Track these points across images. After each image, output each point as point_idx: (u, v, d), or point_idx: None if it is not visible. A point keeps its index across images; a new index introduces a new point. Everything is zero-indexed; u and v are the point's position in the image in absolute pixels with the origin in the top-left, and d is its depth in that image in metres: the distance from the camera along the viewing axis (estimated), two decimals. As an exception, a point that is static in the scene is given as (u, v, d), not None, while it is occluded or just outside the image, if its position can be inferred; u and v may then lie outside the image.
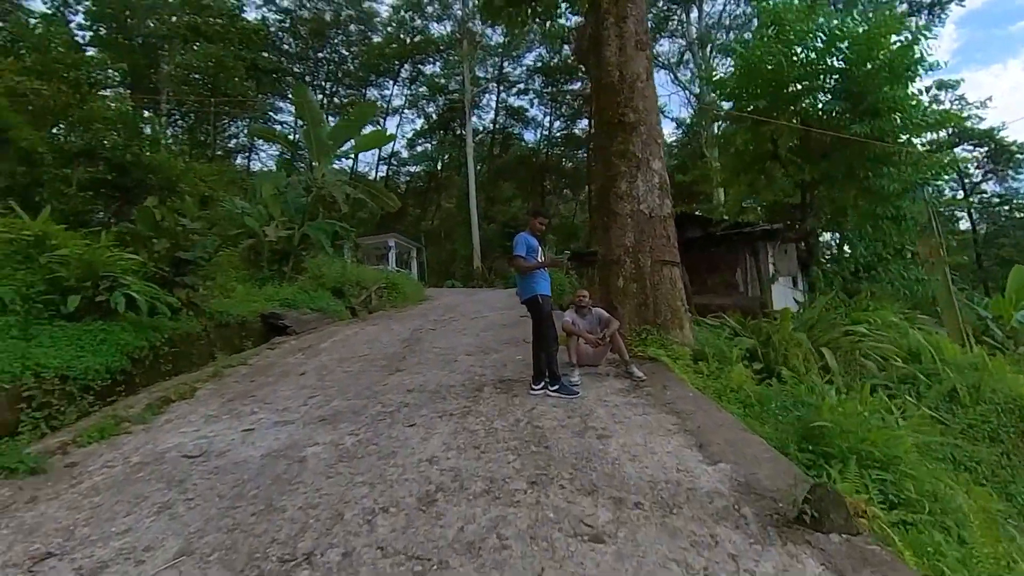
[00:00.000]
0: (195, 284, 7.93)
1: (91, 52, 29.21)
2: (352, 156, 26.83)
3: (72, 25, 29.50)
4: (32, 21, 19.54)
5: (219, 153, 35.21)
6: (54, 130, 12.49)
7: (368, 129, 14.06)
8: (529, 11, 9.93)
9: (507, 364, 6.10)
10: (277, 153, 31.57)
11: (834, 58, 11.26)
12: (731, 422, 4.13)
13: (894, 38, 10.86)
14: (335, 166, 15.08)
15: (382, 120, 39.61)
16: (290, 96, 11.91)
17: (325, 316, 11.30)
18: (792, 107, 11.66)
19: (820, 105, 11.55)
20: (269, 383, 6.01)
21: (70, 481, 3.62)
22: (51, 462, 3.92)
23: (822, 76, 11.49)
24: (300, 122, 12.98)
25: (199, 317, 7.91)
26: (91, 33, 30.02)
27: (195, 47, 28.39)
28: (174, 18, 30.06)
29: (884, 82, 10.53)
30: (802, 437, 4.72)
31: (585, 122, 38.89)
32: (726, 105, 14.53)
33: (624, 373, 5.38)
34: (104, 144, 12.30)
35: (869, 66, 10.89)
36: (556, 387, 4.83)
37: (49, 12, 28.63)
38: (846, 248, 14.50)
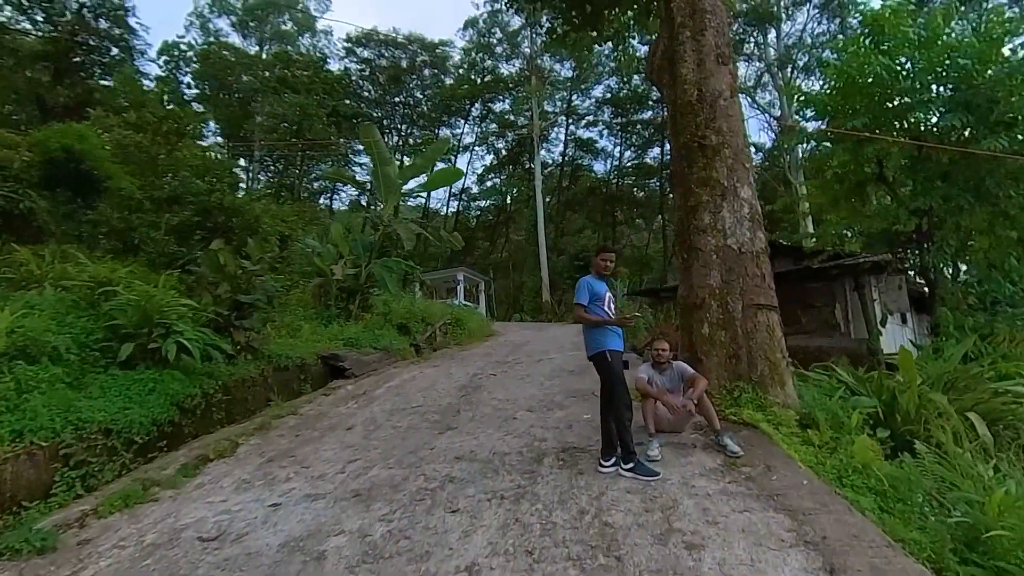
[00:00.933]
0: (254, 327, 7.77)
1: (198, 106, 32.19)
2: (421, 195, 27.32)
3: (182, 84, 32.65)
4: (149, 84, 21.59)
5: (304, 195, 37.30)
6: (150, 179, 13.28)
7: (439, 166, 14.00)
8: (595, 34, 9.33)
9: (572, 425, 5.27)
10: (356, 193, 32.87)
11: (946, 66, 9.80)
12: (870, 531, 3.07)
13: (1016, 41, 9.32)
14: (410, 203, 15.17)
15: (453, 158, 40.54)
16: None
17: (387, 356, 10.96)
18: (899, 123, 10.23)
19: (934, 119, 10.03)
20: (314, 438, 5.53)
21: (73, 566, 3.19)
22: (63, 538, 3.53)
23: (934, 86, 10.02)
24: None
25: (257, 361, 7.71)
26: (197, 91, 32.95)
27: (284, 97, 30.41)
28: (267, 73, 32.53)
29: (1016, 89, 8.95)
30: (964, 544, 3.55)
31: (657, 150, 37.85)
32: (814, 126, 13.23)
33: (715, 445, 4.40)
34: (191, 190, 12.87)
35: (991, 72, 9.37)
36: (630, 466, 3.95)
37: (163, 74, 31.88)
38: (962, 279, 12.52)
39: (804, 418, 5.01)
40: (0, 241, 10.86)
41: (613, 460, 4.03)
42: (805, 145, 29.23)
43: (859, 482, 4.08)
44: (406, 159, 31.52)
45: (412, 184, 14.39)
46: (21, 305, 5.82)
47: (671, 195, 5.96)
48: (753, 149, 33.97)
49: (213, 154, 14.90)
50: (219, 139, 38.39)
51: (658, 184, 37.63)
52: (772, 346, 5.28)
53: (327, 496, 3.97)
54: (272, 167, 38.49)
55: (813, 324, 11.78)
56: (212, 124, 37.18)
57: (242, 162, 41.60)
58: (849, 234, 12.55)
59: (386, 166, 12.84)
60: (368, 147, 12.49)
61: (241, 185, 38.58)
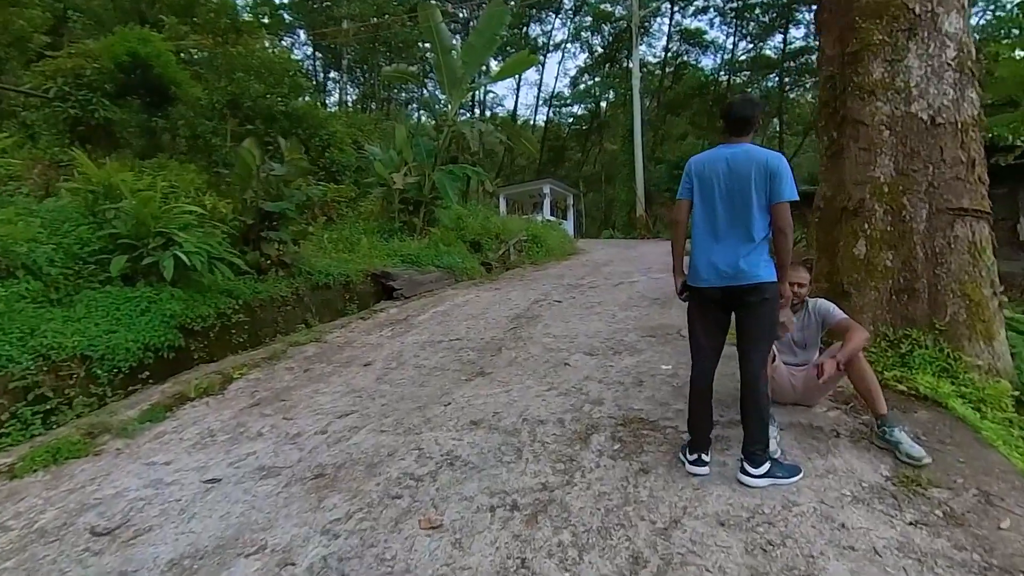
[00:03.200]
0: (284, 239, 6.82)
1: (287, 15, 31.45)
2: (485, 87, 24.59)
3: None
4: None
5: (393, 105, 36.25)
6: (210, 84, 12.57)
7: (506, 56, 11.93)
8: None
9: (644, 382, 3.72)
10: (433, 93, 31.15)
11: None
12: None
13: None
14: (497, 111, 13.22)
15: (543, 57, 37.14)
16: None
17: (448, 275, 9.84)
18: None
19: None
20: (322, 376, 4.49)
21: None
22: (-48, 507, 2.74)
23: None
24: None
25: (291, 278, 6.83)
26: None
27: (363, -1, 28.65)
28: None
29: None
30: None
31: (779, 38, 31.93)
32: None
33: (876, 437, 2.69)
34: (248, 93, 12.01)
35: None
36: (763, 471, 2.41)
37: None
38: None
39: (1025, 392, 3.09)
40: (86, 153, 10.82)
41: (765, 469, 2.46)
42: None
43: None
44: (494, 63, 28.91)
45: (483, 77, 12.54)
46: (12, 212, 5.15)
47: (823, 40, 3.68)
48: None
49: (275, 52, 13.79)
50: (308, 49, 38.03)
51: (777, 79, 32.10)
52: (976, 276, 3.26)
53: (282, 473, 2.84)
54: (361, 78, 37.63)
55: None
56: (302, 34, 36.73)
57: (333, 74, 41.32)
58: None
59: (447, 54, 11.04)
60: (428, 32, 10.73)
61: (331, 96, 38.37)
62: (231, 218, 6.44)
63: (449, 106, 11.63)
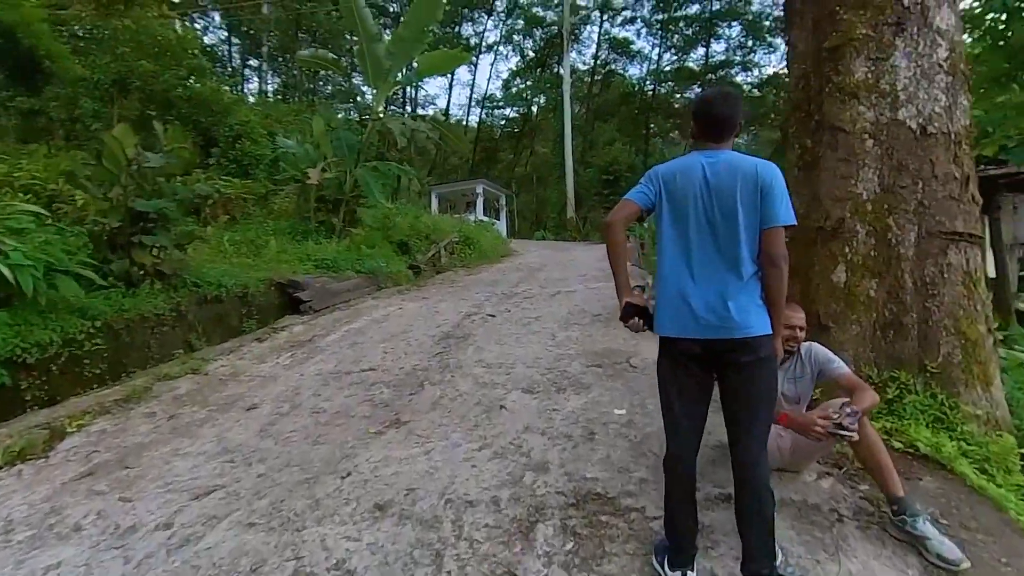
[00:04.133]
0: (163, 244, 5.57)
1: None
2: (416, 83, 23.34)
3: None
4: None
5: (316, 97, 33.98)
6: (92, 60, 10.70)
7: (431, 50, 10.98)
8: None
9: (595, 434, 3.00)
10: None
11: None
12: None
13: None
14: (428, 111, 12.06)
15: (475, 58, 36.27)
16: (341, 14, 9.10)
17: (369, 282, 8.80)
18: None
19: None
20: (189, 427, 3.44)
21: None
22: None
23: None
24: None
25: (171, 291, 5.60)
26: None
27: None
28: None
29: None
30: None
31: (701, 51, 32.92)
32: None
33: (896, 528, 2.09)
34: (134, 72, 10.31)
35: None
36: None
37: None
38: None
39: (1024, 443, 2.66)
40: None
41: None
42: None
43: None
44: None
45: (408, 69, 11.52)
46: None
47: (795, 33, 3.06)
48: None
49: (175, 29, 12.02)
50: (223, 33, 34.91)
51: (699, 89, 33.03)
52: (971, 311, 2.81)
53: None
54: (284, 67, 35.01)
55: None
56: (216, 17, 33.58)
57: (253, 62, 38.22)
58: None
59: (372, 43, 9.96)
60: (349, 16, 9.59)
61: (250, 87, 35.47)
62: (90, 220, 5.16)
63: (373, 99, 10.53)
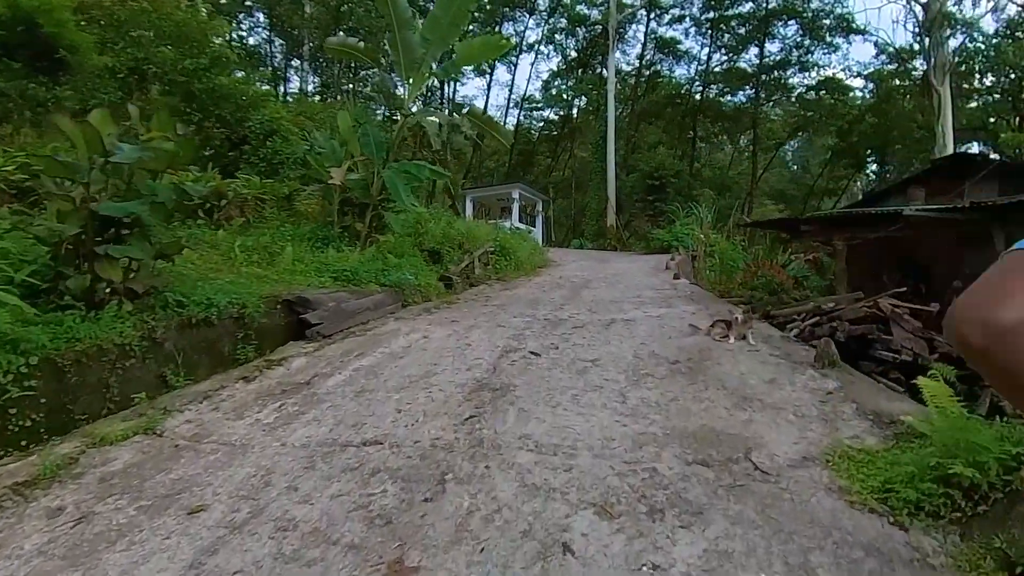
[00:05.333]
0: (136, 256, 4.50)
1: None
2: (452, 78, 22.06)
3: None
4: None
5: (355, 97, 33.46)
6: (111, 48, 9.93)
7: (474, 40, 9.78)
8: None
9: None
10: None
11: None
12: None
13: None
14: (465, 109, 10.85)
15: (515, 58, 35.16)
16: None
17: (393, 297, 7.65)
18: None
19: None
20: (99, 541, 2.27)
21: None
22: None
23: None
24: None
25: (146, 312, 4.54)
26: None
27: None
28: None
29: None
30: None
31: (755, 51, 30.84)
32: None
33: None
34: (152, 59, 9.47)
35: None
36: None
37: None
38: None
39: None
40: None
41: None
42: (957, 39, 21.91)
43: None
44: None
45: (441, 59, 10.37)
46: None
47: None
48: (876, 49, 26.34)
49: (197, 9, 11.16)
50: (266, 33, 34.82)
51: (753, 92, 31.02)
52: None
53: None
54: (325, 66, 34.70)
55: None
56: (260, 16, 33.45)
57: (296, 63, 38.09)
58: None
59: (405, 29, 8.84)
60: (380, 1, 8.51)
61: (291, 87, 35.32)
62: (36, 225, 4.13)
63: (406, 93, 9.42)
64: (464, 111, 10.62)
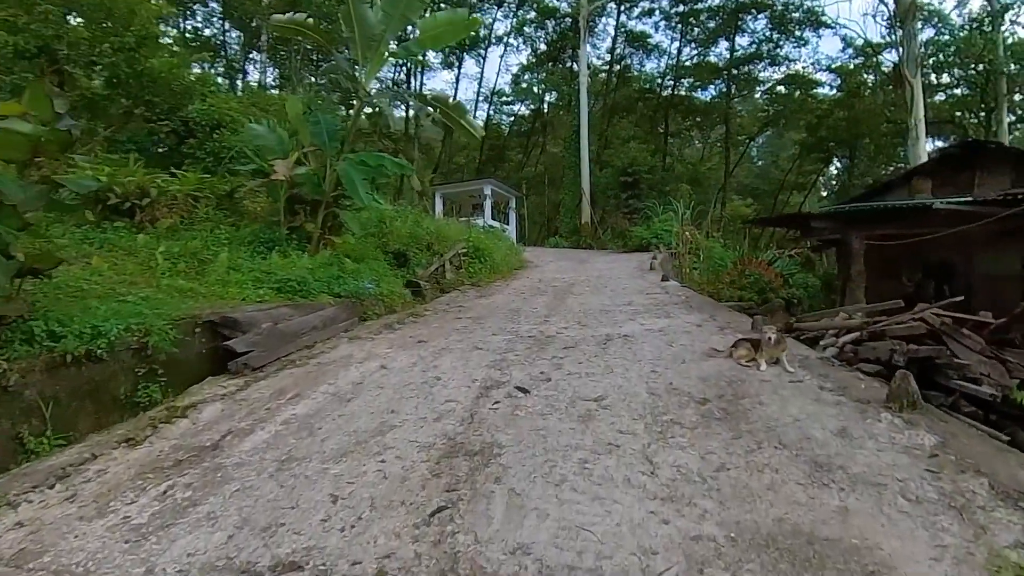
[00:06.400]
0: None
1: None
2: (417, 54, 20.47)
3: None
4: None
5: (313, 89, 31.67)
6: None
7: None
8: None
9: None
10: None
11: None
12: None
13: None
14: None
15: (483, 51, 33.96)
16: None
17: (348, 312, 6.48)
18: None
19: None
20: None
21: None
22: None
23: None
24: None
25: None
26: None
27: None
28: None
29: None
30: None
31: (724, 45, 30.41)
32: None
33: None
34: (65, 38, 8.01)
35: None
36: None
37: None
38: None
39: None
40: None
41: None
42: (928, 32, 21.69)
43: None
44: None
45: (401, 38, 9.18)
46: None
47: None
48: (843, 43, 26.03)
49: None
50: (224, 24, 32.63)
51: (725, 86, 30.61)
52: None
53: None
54: (284, 59, 32.74)
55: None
56: (215, 5, 31.23)
57: (254, 55, 35.89)
58: None
59: (361, 2, 7.65)
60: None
61: (251, 80, 33.29)
62: None
63: (363, 74, 8.21)
64: (430, 95, 9.44)
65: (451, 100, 9.06)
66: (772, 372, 3.80)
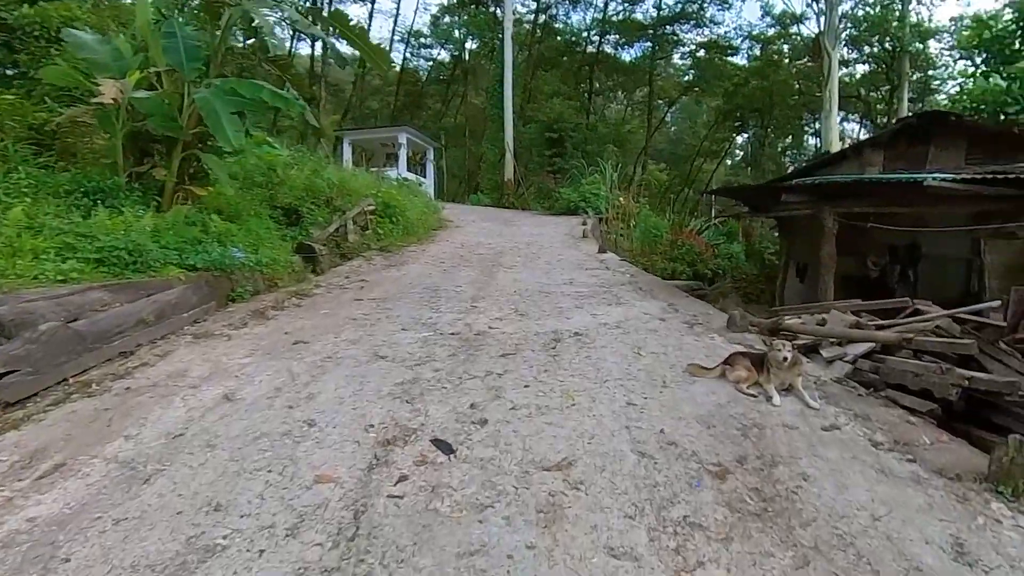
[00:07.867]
0: None
1: None
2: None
3: None
4: None
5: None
6: None
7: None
8: None
9: None
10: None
11: None
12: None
13: None
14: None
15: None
16: None
17: (205, 292, 4.70)
18: None
19: None
20: None
21: None
22: None
23: None
24: None
25: None
26: None
27: None
28: None
29: None
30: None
31: (650, 2, 29.27)
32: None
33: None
34: None
35: None
36: None
37: None
38: None
39: None
40: None
41: None
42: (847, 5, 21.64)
43: None
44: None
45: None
46: None
47: None
48: (762, 11, 25.84)
49: None
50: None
51: (651, 46, 29.67)
52: None
53: None
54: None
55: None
56: None
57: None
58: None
59: None
60: None
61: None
62: None
63: (233, -29, 5.99)
64: (328, 15, 7.36)
65: (352, 24, 7.05)
66: (790, 407, 2.73)
